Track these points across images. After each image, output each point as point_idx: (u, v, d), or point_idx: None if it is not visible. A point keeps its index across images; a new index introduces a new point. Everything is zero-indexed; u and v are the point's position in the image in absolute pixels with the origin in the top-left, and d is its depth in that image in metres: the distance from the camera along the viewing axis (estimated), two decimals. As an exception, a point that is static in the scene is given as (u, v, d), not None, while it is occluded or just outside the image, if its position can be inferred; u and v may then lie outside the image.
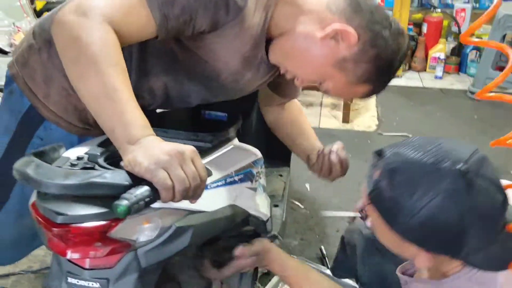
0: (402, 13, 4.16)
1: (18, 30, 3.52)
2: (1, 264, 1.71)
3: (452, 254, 1.01)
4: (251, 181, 1.38)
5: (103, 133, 1.06)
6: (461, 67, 4.45)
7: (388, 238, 1.06)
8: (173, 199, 0.89)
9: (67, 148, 1.11)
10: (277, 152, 1.99)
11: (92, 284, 1.01)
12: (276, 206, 1.95)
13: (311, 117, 3.70)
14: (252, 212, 1.38)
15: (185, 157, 0.91)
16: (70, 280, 1.02)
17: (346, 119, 3.67)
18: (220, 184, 1.20)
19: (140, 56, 1.21)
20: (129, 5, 1.03)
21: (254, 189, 1.41)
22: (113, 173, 0.92)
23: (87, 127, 1.31)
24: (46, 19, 1.27)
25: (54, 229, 0.91)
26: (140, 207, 0.85)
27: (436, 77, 4.38)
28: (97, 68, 0.94)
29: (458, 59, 4.43)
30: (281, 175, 2.28)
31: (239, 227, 1.51)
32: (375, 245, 1.45)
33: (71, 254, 0.95)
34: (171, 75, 1.27)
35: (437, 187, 0.95)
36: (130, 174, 0.91)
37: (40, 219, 0.94)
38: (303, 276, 1.38)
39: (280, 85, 1.53)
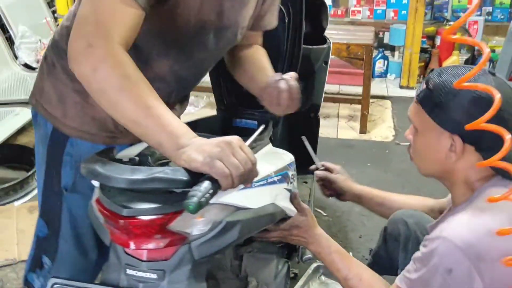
0: (416, 26, 4.25)
1: (44, 47, 3.65)
2: None
3: (488, 148, 1.19)
4: (287, 183, 1.45)
5: (128, 140, 1.17)
6: (474, 78, 4.52)
7: (429, 139, 1.28)
8: (232, 185, 0.97)
9: None
10: (302, 160, 2.07)
11: (150, 275, 1.09)
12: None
13: (328, 129, 3.78)
14: (288, 212, 1.45)
15: (234, 145, 0.99)
16: (128, 272, 1.10)
17: (363, 130, 3.75)
18: (263, 183, 1.27)
19: (132, 48, 1.17)
20: (112, 8, 1.05)
21: (290, 191, 1.49)
22: (174, 169, 1.00)
23: (111, 135, 1.34)
24: (50, 46, 1.36)
25: (120, 221, 0.99)
26: (207, 200, 0.93)
27: (450, 89, 4.44)
28: (123, 94, 1.01)
29: (472, 70, 4.49)
30: (306, 182, 2.35)
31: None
32: (417, 234, 1.59)
33: (133, 245, 1.03)
34: (170, 52, 1.27)
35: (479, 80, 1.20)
36: (188, 170, 1.00)
37: (106, 212, 1.03)
38: (345, 258, 1.46)
39: (259, 16, 1.48)
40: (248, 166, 0.99)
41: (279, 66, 1.88)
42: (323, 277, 2.21)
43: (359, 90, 4.13)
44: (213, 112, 1.80)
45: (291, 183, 1.51)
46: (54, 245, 1.42)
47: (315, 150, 2.28)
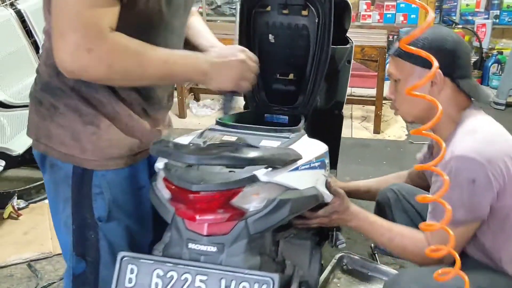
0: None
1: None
2: None
3: (461, 76, 1.51)
4: (325, 170, 1.55)
5: (146, 152, 1.31)
6: (483, 80, 4.63)
7: (413, 82, 1.49)
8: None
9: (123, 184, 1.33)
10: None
11: (210, 248, 1.19)
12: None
13: (343, 129, 3.88)
14: (325, 197, 1.55)
15: (247, 61, 1.33)
16: (190, 246, 1.20)
17: (377, 130, 3.85)
18: (306, 167, 1.37)
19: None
20: (91, 5, 1.05)
21: (327, 177, 1.59)
22: (238, 149, 1.11)
23: (132, 154, 1.33)
24: (40, 89, 1.29)
25: (190, 195, 1.10)
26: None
27: (459, 90, 4.55)
28: (142, 67, 1.14)
29: (480, 72, 4.60)
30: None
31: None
32: (403, 193, 1.91)
33: (199, 219, 1.14)
34: (152, 30, 1.26)
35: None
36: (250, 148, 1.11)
37: (175, 189, 1.13)
38: (383, 223, 1.63)
39: None
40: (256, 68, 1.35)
41: (309, 63, 1.99)
42: (346, 267, 2.32)
43: (370, 92, 4.25)
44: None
45: (327, 170, 1.61)
46: (94, 275, 1.38)
47: (338, 146, 2.39)
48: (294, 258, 1.76)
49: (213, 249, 1.19)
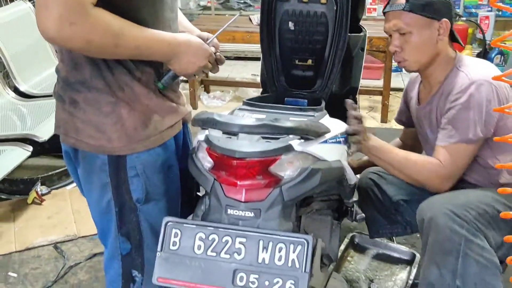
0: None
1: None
2: None
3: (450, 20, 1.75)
4: (348, 146, 1.65)
5: (173, 129, 1.40)
6: (487, 71, 4.72)
7: (423, 33, 1.74)
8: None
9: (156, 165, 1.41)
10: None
11: (247, 214, 1.29)
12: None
13: (351, 119, 3.99)
14: (347, 172, 1.64)
15: (209, 54, 1.39)
16: (229, 211, 1.30)
17: (384, 119, 3.95)
18: (334, 141, 1.47)
19: None
20: None
21: (349, 154, 1.69)
22: (277, 119, 1.20)
23: (158, 132, 1.37)
24: (61, 87, 1.36)
25: (233, 161, 1.20)
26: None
27: (464, 81, 4.65)
28: (117, 46, 1.18)
29: (484, 63, 4.70)
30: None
31: (332, 189, 1.79)
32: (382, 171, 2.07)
33: (240, 184, 1.23)
34: (158, 15, 1.34)
35: None
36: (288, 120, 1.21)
37: (218, 157, 1.23)
38: (400, 152, 1.80)
39: None
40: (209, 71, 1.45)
41: (327, 49, 2.09)
42: (359, 246, 2.43)
43: (376, 83, 4.35)
44: (239, 105, 1.98)
45: (348, 147, 1.71)
46: (140, 257, 1.45)
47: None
48: (315, 232, 1.86)
49: (250, 214, 1.29)
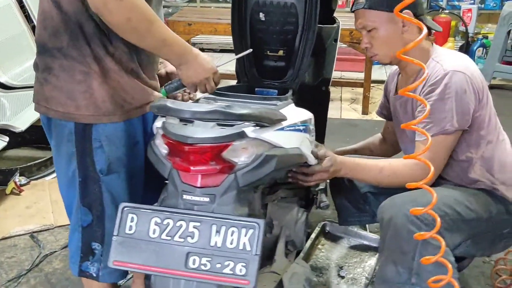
0: (413, 14, 4.48)
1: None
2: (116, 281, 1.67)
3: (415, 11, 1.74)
4: (310, 134, 1.68)
5: (140, 110, 1.46)
6: (469, 64, 4.76)
7: (388, 27, 1.76)
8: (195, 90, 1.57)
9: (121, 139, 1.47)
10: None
11: (203, 199, 1.32)
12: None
13: (332, 110, 4.00)
14: (309, 160, 1.67)
15: (211, 78, 1.52)
16: (185, 197, 1.33)
17: (365, 111, 3.99)
18: (291, 129, 1.50)
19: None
20: None
21: (311, 142, 1.72)
22: (229, 105, 1.23)
23: (124, 110, 1.44)
24: (38, 53, 1.45)
25: (185, 147, 1.23)
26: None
27: (446, 73, 4.69)
28: (148, 32, 1.34)
29: (466, 56, 4.74)
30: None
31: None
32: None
33: (193, 169, 1.26)
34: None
35: None
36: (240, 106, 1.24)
37: (172, 143, 1.26)
38: (369, 160, 1.81)
39: None
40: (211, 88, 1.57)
41: (297, 40, 2.12)
42: (330, 234, 2.47)
43: (359, 75, 4.38)
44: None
45: (312, 136, 1.74)
46: (101, 228, 1.51)
47: (325, 121, 2.52)
48: (281, 219, 1.90)
49: (205, 199, 1.32)
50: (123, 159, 1.48)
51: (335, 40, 2.47)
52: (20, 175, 2.97)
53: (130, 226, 1.31)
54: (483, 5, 4.78)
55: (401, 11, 1.71)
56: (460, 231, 1.63)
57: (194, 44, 4.67)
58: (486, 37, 4.70)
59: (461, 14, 4.76)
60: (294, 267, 1.70)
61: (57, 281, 2.26)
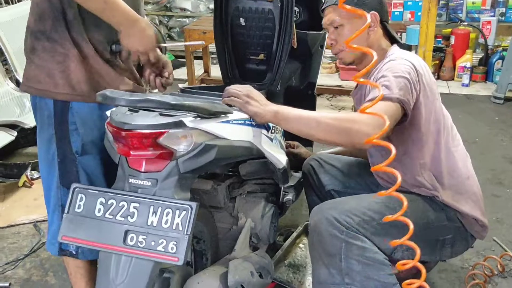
0: (429, 26, 4.47)
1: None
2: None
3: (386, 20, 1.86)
4: (268, 130, 1.76)
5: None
6: (488, 76, 4.72)
7: (354, 24, 1.81)
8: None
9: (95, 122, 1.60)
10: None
11: (145, 183, 1.43)
12: (296, 172, 2.33)
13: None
14: (267, 154, 1.76)
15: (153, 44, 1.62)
16: (131, 180, 1.45)
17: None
18: (240, 122, 1.59)
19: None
20: None
21: (270, 139, 1.80)
22: (163, 96, 1.35)
23: (94, 90, 1.53)
24: (27, 36, 1.62)
25: (122, 133, 1.35)
26: None
27: (463, 85, 4.67)
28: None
29: (485, 68, 4.70)
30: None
31: (259, 172, 1.91)
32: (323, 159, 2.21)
33: (133, 153, 1.38)
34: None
35: None
36: (175, 97, 1.35)
37: (113, 129, 1.38)
38: (312, 113, 1.64)
39: None
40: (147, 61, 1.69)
41: (275, 44, 2.22)
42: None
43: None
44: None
45: (272, 133, 1.83)
46: None
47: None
48: (248, 213, 1.99)
49: (148, 183, 1.43)
50: (97, 142, 1.63)
51: (321, 46, 2.56)
52: (32, 170, 3.18)
53: (79, 205, 1.44)
54: (503, 18, 4.74)
55: (368, 12, 1.81)
56: (391, 235, 1.60)
57: (211, 53, 4.83)
58: (506, 50, 4.65)
59: (481, 27, 4.73)
60: (249, 256, 1.79)
61: (50, 266, 2.42)
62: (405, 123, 1.71)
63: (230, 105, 1.62)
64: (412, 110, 1.68)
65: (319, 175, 2.18)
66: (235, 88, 1.63)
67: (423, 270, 1.21)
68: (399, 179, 1.25)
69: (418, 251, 1.31)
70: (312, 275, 1.77)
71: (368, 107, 1.12)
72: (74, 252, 1.71)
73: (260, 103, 1.60)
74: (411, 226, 1.21)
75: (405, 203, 1.20)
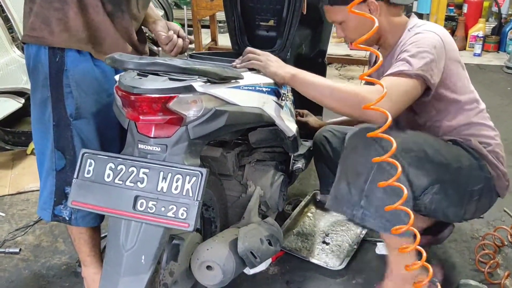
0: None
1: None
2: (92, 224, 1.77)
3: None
4: (278, 97, 1.74)
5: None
6: (500, 46, 4.63)
7: (355, 17, 1.70)
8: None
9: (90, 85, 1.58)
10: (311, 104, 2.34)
11: (155, 149, 1.42)
12: (306, 141, 2.30)
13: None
14: (277, 122, 1.73)
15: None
16: (140, 146, 1.43)
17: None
18: (250, 88, 1.57)
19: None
20: None
21: (281, 106, 1.77)
22: (172, 59, 1.32)
23: (95, 46, 1.56)
24: None
25: (131, 97, 1.32)
26: None
27: (474, 55, 4.59)
28: None
29: (498, 38, 4.62)
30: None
31: (269, 140, 1.88)
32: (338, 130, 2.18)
33: (142, 118, 1.36)
34: None
35: None
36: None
37: (122, 94, 1.36)
38: (326, 80, 1.68)
39: None
40: None
41: (285, 9, 2.17)
42: (319, 202, 2.53)
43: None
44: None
45: (283, 100, 1.80)
46: (73, 173, 1.50)
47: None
48: (256, 181, 1.98)
49: (157, 149, 1.41)
50: (92, 106, 1.59)
51: (333, 13, 2.50)
52: (40, 137, 3.17)
53: (89, 171, 1.43)
54: (518, -15, 4.63)
55: (365, 1, 1.73)
56: (426, 171, 1.62)
57: (219, 22, 4.77)
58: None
59: (495, -5, 4.63)
60: (259, 224, 1.78)
61: (60, 233, 2.43)
62: (429, 97, 1.70)
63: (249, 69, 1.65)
64: (439, 82, 1.69)
65: (333, 145, 2.15)
66: (254, 51, 1.71)
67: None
68: (394, 145, 1.30)
69: (418, 236, 1.34)
70: (332, 187, 1.71)
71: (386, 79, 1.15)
72: (67, 218, 1.68)
73: (279, 64, 1.69)
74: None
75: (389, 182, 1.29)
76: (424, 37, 1.68)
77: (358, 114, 1.61)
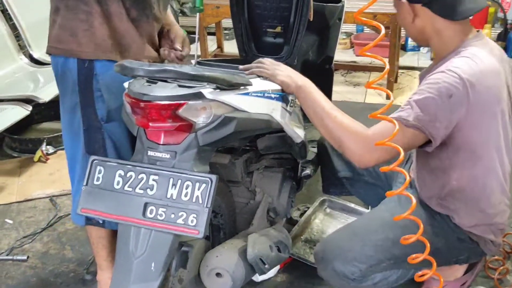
0: None
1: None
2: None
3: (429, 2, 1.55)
4: (286, 104, 1.73)
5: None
6: (506, 51, 4.61)
7: (399, 14, 1.68)
8: None
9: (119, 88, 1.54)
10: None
11: (164, 155, 1.42)
12: (313, 147, 2.30)
13: (357, 95, 4.05)
14: (286, 128, 1.73)
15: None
16: (149, 153, 1.43)
17: (389, 97, 3.95)
18: (259, 95, 1.57)
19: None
20: None
21: (289, 112, 1.77)
22: (182, 66, 1.32)
23: (122, 51, 1.57)
24: None
25: (141, 103, 1.32)
26: None
27: (480, 60, 4.57)
28: None
29: (503, 43, 4.59)
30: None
31: (277, 146, 1.88)
32: None
33: (151, 125, 1.36)
34: None
35: None
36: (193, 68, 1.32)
37: (132, 100, 1.36)
38: (331, 111, 1.61)
39: None
40: None
41: (292, 16, 2.17)
42: (328, 209, 2.51)
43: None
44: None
45: (291, 106, 1.80)
46: None
47: (330, 98, 2.57)
48: (264, 187, 1.98)
49: (167, 156, 1.42)
50: (122, 108, 1.59)
51: (339, 19, 2.51)
52: (48, 145, 3.18)
53: (98, 178, 1.43)
54: (523, -9, 4.62)
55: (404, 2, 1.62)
56: (401, 268, 1.67)
57: (224, 29, 4.78)
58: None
59: (500, 0, 4.61)
60: (268, 230, 1.78)
61: (67, 240, 2.43)
62: (431, 149, 1.56)
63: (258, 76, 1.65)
64: (451, 132, 1.53)
65: (332, 158, 2.14)
66: (263, 62, 1.71)
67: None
68: (407, 178, 1.27)
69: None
70: None
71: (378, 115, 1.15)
72: (100, 221, 1.72)
73: (288, 72, 1.67)
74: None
75: (413, 239, 1.28)
76: (444, 81, 1.47)
77: (337, 147, 1.64)
